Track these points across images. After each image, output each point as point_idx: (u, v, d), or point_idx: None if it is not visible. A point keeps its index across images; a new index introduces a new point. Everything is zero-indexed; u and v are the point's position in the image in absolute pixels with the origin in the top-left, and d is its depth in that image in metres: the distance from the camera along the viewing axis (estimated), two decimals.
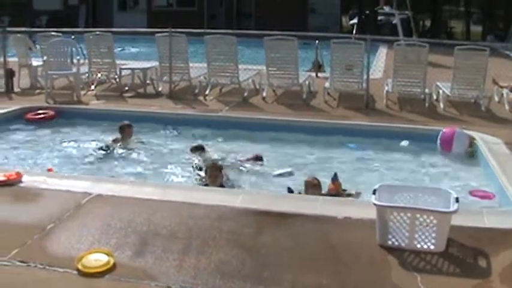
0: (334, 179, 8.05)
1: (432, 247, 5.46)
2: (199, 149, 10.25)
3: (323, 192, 7.81)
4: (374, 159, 10.07)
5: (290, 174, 9.33)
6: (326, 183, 8.07)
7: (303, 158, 10.18)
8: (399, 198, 5.92)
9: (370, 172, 9.41)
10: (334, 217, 6.31)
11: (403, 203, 5.85)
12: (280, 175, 9.24)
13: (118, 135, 10.69)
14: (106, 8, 40.85)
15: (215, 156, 10.07)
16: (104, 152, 10.31)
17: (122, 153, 10.30)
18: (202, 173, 8.91)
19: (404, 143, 10.51)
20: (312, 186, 7.81)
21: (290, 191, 8.01)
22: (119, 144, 10.51)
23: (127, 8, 41.49)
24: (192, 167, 9.54)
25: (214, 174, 8.34)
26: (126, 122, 10.82)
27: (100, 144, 10.57)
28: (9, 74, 15.01)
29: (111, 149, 10.40)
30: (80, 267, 5.05)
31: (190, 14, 37.66)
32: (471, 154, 9.90)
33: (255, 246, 5.60)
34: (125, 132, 10.68)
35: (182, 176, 9.27)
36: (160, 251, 5.43)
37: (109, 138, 10.70)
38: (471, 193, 8.24)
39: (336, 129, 11.22)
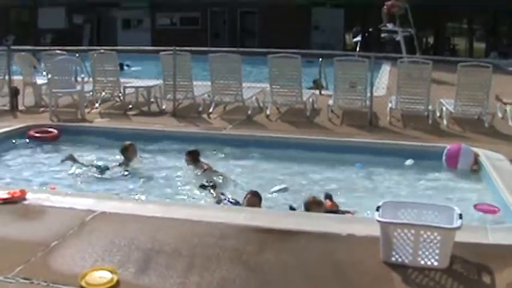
0: (328, 198, 8.12)
1: (436, 263, 5.44)
2: (194, 154, 10.36)
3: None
4: (378, 176, 10.06)
5: (285, 190, 9.35)
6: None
7: (305, 175, 10.17)
8: (403, 215, 5.92)
9: (374, 189, 9.41)
10: (337, 234, 6.30)
11: (406, 219, 5.83)
12: (277, 191, 9.26)
13: (121, 159, 10.48)
14: (110, 26, 41.11)
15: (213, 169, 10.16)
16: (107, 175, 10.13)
17: (129, 174, 10.16)
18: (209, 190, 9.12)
19: (409, 162, 10.48)
20: (317, 205, 7.80)
21: (292, 208, 8.00)
22: (123, 168, 10.27)
23: (131, 26, 41.67)
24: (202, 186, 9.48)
25: (252, 202, 8.03)
26: (128, 142, 10.65)
27: (103, 166, 10.31)
28: (14, 92, 15.07)
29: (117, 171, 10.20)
30: (83, 284, 5.05)
31: (194, 32, 37.80)
32: (475, 170, 9.90)
33: (258, 264, 5.60)
34: (129, 152, 10.49)
35: (189, 193, 9.29)
36: (163, 268, 5.43)
37: (112, 164, 10.40)
38: (476, 207, 8.22)
39: (340, 146, 11.22)
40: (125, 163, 10.36)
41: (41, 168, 10.48)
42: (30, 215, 7.08)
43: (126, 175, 10.09)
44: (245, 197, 8.13)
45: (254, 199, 8.09)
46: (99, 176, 9.98)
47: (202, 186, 9.13)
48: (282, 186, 9.45)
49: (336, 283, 5.25)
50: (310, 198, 7.97)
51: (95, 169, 10.14)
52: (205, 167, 10.11)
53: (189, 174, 10.14)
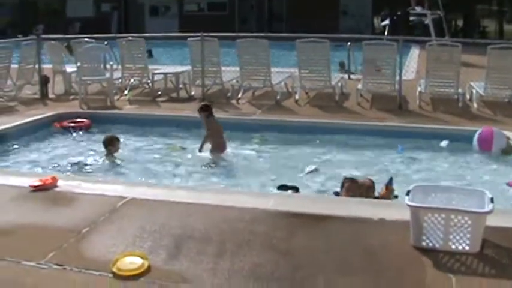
0: (389, 183, 7.88)
1: (467, 248, 5.41)
2: (207, 109, 10.62)
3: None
4: (409, 160, 10.03)
5: (316, 170, 9.37)
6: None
7: (334, 160, 10.18)
8: (433, 199, 5.87)
9: (406, 173, 9.38)
10: (368, 219, 6.27)
11: (437, 203, 5.79)
12: (309, 173, 9.25)
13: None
14: (138, 13, 41.20)
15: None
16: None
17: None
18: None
19: (444, 143, 10.43)
20: (368, 188, 7.75)
21: (337, 194, 7.86)
22: (108, 160, 10.12)
23: (159, 13, 41.75)
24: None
25: (352, 190, 7.63)
26: (111, 134, 10.52)
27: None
28: (44, 81, 15.19)
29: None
30: (115, 270, 5.08)
31: (222, 18, 37.79)
32: (507, 152, 9.83)
33: (289, 249, 5.60)
34: (113, 144, 10.23)
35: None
36: (194, 254, 5.45)
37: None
38: (509, 184, 8.19)
39: (371, 130, 11.22)
40: (108, 155, 10.14)
41: (72, 155, 10.54)
42: (61, 202, 7.14)
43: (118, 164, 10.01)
44: (342, 185, 7.75)
45: (353, 186, 7.73)
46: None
47: (282, 187, 8.64)
48: (313, 167, 9.46)
49: (366, 268, 5.23)
50: (363, 179, 7.88)
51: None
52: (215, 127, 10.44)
53: (225, 160, 10.23)
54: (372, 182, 7.82)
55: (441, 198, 5.88)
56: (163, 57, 23.55)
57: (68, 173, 9.21)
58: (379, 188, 7.83)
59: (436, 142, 10.52)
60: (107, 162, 10.03)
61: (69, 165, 9.94)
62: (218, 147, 10.40)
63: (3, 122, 11.85)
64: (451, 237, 5.42)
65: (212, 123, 10.54)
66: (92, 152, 10.58)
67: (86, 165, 9.96)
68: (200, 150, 10.38)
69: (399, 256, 5.43)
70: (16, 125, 11.70)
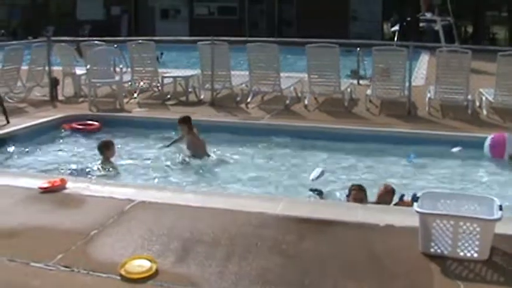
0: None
1: (475, 255, 5.40)
2: (186, 121, 10.73)
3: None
4: (418, 167, 10.02)
5: (323, 173, 9.34)
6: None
7: (345, 165, 10.18)
8: (442, 206, 5.87)
9: (416, 179, 9.36)
10: (376, 225, 6.27)
11: (446, 210, 5.79)
12: (317, 178, 9.23)
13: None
14: (148, 17, 41.20)
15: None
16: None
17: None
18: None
19: (456, 149, 10.40)
20: (387, 192, 7.78)
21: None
22: (104, 166, 9.85)
23: (169, 16, 41.77)
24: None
25: (359, 198, 7.65)
26: (107, 139, 10.41)
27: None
28: (54, 83, 15.23)
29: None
30: (123, 273, 5.09)
31: (232, 22, 37.79)
32: None
33: (297, 254, 5.60)
34: (109, 149, 10.03)
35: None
36: (202, 257, 5.45)
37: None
38: None
39: (380, 136, 11.19)
40: (104, 161, 9.95)
41: (80, 158, 10.56)
42: (70, 204, 7.17)
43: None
44: (349, 192, 7.79)
45: (361, 194, 7.73)
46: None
47: (312, 190, 8.63)
48: (319, 171, 9.43)
49: (374, 273, 5.23)
50: (383, 186, 7.92)
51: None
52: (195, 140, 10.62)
53: (233, 164, 10.22)
54: (392, 189, 7.84)
55: (450, 205, 5.87)
56: (170, 59, 23.50)
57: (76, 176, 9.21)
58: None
59: (445, 149, 10.49)
60: (103, 169, 9.81)
61: (76, 168, 9.88)
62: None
63: (13, 123, 11.89)
64: (460, 244, 5.41)
65: (192, 137, 10.72)
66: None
67: (91, 169, 9.88)
68: (168, 146, 10.75)
69: (407, 262, 5.42)
70: (25, 127, 11.73)
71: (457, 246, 5.42)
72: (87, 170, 9.75)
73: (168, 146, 10.86)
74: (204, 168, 10.06)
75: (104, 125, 12.21)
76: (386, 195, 7.79)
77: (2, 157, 10.50)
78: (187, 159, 10.33)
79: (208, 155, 10.51)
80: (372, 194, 7.93)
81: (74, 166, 9.98)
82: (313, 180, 9.20)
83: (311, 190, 8.44)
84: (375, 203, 7.66)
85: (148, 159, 10.64)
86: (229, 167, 10.17)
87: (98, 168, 9.79)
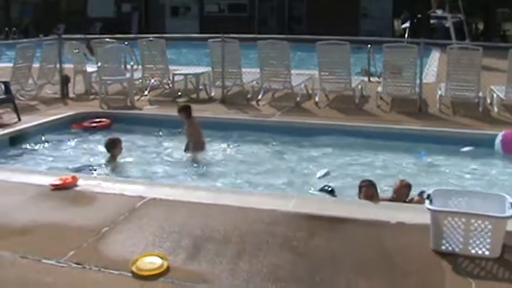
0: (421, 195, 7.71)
1: (487, 253, 5.39)
2: (185, 109, 10.95)
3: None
4: (429, 164, 10.01)
5: (328, 173, 9.38)
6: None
7: (354, 162, 10.16)
8: (453, 203, 5.85)
9: (425, 177, 9.34)
10: (387, 222, 6.26)
11: (457, 207, 5.77)
12: (323, 177, 9.25)
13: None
14: (158, 14, 41.30)
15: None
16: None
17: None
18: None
19: (466, 149, 10.37)
20: (404, 186, 7.79)
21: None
22: (109, 165, 9.90)
23: (179, 14, 41.83)
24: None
25: (370, 194, 7.63)
26: (114, 137, 10.36)
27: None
28: (65, 80, 15.27)
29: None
30: (134, 269, 5.11)
31: (242, 19, 37.81)
32: None
33: (308, 251, 5.60)
34: (116, 147, 10.01)
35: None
36: (213, 254, 5.46)
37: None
38: None
39: (390, 133, 11.17)
40: (110, 159, 9.98)
41: (91, 155, 10.59)
42: (81, 201, 7.19)
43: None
44: (360, 189, 7.76)
45: (371, 189, 7.70)
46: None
47: (324, 190, 8.63)
48: (325, 170, 9.45)
49: (385, 271, 5.23)
50: (400, 181, 7.92)
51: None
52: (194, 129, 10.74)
53: (244, 161, 10.25)
54: (408, 183, 7.87)
55: (461, 203, 5.86)
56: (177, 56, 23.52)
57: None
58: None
59: (456, 146, 10.45)
60: (109, 167, 9.85)
61: (82, 166, 9.90)
62: (196, 147, 10.59)
63: (24, 120, 11.93)
64: (471, 241, 5.40)
65: (191, 124, 10.80)
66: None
67: (97, 167, 9.89)
68: (185, 150, 10.59)
69: (418, 260, 5.42)
70: (37, 124, 11.77)
71: (469, 244, 5.41)
72: (94, 167, 9.77)
73: (185, 151, 10.65)
74: (212, 166, 10.07)
75: (114, 122, 12.23)
76: (402, 190, 7.77)
77: (14, 154, 10.53)
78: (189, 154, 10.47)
79: (203, 147, 10.66)
80: (383, 191, 7.93)
81: (80, 164, 10.03)
82: (319, 178, 9.21)
83: (321, 190, 8.45)
84: (390, 199, 7.65)
85: (157, 156, 10.71)
86: (240, 164, 10.16)
87: (104, 166, 9.83)
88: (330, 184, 8.57)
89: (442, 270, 5.21)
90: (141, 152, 10.86)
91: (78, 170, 9.45)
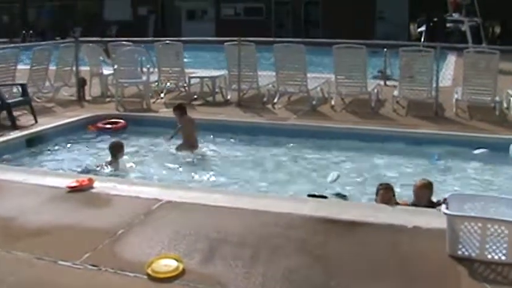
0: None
1: (504, 258, 5.35)
2: (179, 108, 11.42)
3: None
4: (445, 168, 9.97)
5: (338, 176, 9.36)
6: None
7: (373, 167, 10.14)
8: (470, 208, 5.82)
9: (442, 181, 9.30)
10: (403, 226, 6.24)
11: (473, 212, 5.74)
12: (335, 181, 9.24)
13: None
14: (175, 17, 41.40)
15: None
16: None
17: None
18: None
19: (478, 151, 10.32)
20: (423, 187, 7.68)
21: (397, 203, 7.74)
22: (112, 166, 9.92)
23: (195, 17, 41.93)
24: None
25: (387, 198, 7.56)
26: (117, 140, 10.51)
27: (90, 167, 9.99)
28: (81, 83, 15.33)
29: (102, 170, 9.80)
30: (149, 272, 5.11)
31: (258, 22, 37.84)
32: None
33: (323, 255, 5.59)
34: (119, 150, 10.15)
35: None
36: (229, 257, 5.46)
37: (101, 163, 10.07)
38: None
39: (407, 137, 11.14)
40: (113, 161, 10.01)
41: (106, 157, 10.62)
42: (97, 203, 7.22)
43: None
44: (377, 192, 7.71)
45: (388, 193, 7.64)
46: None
47: (338, 195, 8.71)
48: (336, 174, 9.44)
49: (401, 275, 5.21)
50: (420, 181, 7.81)
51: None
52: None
53: (259, 165, 10.27)
54: (429, 182, 7.77)
55: (478, 207, 5.82)
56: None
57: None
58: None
59: (472, 150, 10.40)
60: (110, 168, 9.87)
61: (85, 167, 9.95)
62: (188, 145, 10.88)
63: (40, 122, 12.00)
64: (488, 246, 5.37)
65: (185, 121, 11.18)
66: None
67: (100, 168, 9.90)
68: (172, 137, 11.22)
69: (434, 264, 5.39)
70: (53, 126, 11.83)
71: (485, 249, 5.38)
72: (96, 168, 9.79)
73: (171, 137, 11.23)
74: (227, 168, 10.08)
75: (130, 124, 12.26)
76: (423, 189, 7.68)
77: (30, 156, 10.59)
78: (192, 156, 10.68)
79: (195, 145, 10.96)
80: (399, 195, 7.90)
81: (84, 165, 10.08)
82: (330, 182, 9.21)
83: (335, 195, 8.45)
84: (413, 203, 7.57)
85: (169, 156, 10.76)
86: (255, 167, 10.16)
87: (106, 167, 9.86)
88: (338, 189, 8.57)
89: (458, 275, 5.19)
90: (152, 154, 10.95)
91: (82, 170, 9.58)
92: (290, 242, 5.84)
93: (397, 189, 7.92)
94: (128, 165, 10.15)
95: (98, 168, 9.75)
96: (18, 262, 5.44)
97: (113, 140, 10.64)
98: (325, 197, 8.10)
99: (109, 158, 10.07)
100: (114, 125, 12.27)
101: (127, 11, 41.84)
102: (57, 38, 27.04)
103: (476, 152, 10.33)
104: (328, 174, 9.60)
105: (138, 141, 11.58)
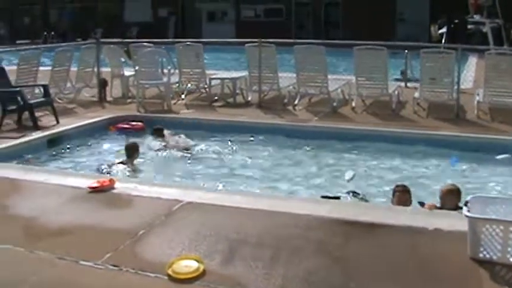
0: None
1: None
2: (159, 131, 11.47)
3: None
4: (466, 171, 9.92)
5: (354, 175, 9.41)
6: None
7: (393, 168, 10.12)
8: (492, 211, 5.78)
9: (462, 184, 9.25)
10: (424, 228, 6.21)
11: (495, 215, 5.70)
12: (351, 179, 9.24)
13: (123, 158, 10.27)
14: (195, 19, 41.47)
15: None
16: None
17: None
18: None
19: (501, 156, 10.25)
20: (451, 192, 7.57)
21: (421, 204, 7.68)
22: (127, 165, 10.01)
23: (216, 18, 42.00)
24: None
25: (404, 199, 7.63)
26: (133, 141, 10.66)
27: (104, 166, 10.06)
28: (103, 84, 15.41)
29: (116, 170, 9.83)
30: (170, 272, 5.13)
31: (278, 24, 37.83)
32: None
33: (343, 256, 5.59)
34: (135, 151, 10.29)
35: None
36: (249, 259, 5.46)
37: (115, 161, 10.22)
38: None
39: (428, 140, 11.09)
40: (128, 161, 10.08)
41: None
42: (118, 204, 7.26)
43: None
44: (393, 193, 7.73)
45: (405, 195, 7.65)
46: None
47: (352, 193, 8.67)
48: (352, 173, 9.45)
49: (421, 278, 5.18)
50: (446, 186, 7.71)
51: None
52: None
53: (280, 166, 10.28)
54: (457, 188, 7.66)
55: (500, 210, 5.78)
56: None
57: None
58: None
59: (494, 153, 10.34)
60: (126, 168, 9.93)
61: (101, 167, 10.00)
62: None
63: (62, 123, 12.08)
64: (510, 249, 5.32)
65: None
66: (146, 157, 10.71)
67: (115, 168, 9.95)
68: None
69: (456, 267, 5.36)
70: (75, 127, 11.91)
71: (507, 252, 5.34)
72: (112, 168, 9.84)
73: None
74: (248, 170, 10.09)
75: (150, 125, 12.30)
76: (449, 195, 7.61)
77: (52, 156, 10.66)
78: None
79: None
80: (417, 197, 7.87)
81: (99, 164, 10.18)
82: (348, 181, 9.21)
83: (348, 192, 8.50)
84: (440, 207, 7.51)
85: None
86: (275, 168, 10.17)
87: (122, 168, 9.91)
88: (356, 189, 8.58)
89: (480, 278, 5.16)
90: (171, 155, 10.99)
91: (97, 169, 9.75)
92: (309, 243, 5.84)
93: (420, 193, 7.89)
94: (143, 166, 10.21)
95: (113, 168, 9.80)
96: (40, 262, 5.48)
97: (129, 141, 10.75)
98: (338, 198, 8.12)
99: (121, 159, 10.15)
100: (134, 126, 12.30)
101: (147, 13, 41.96)
102: (78, 39, 27.16)
103: (500, 157, 10.27)
104: (345, 173, 9.63)
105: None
